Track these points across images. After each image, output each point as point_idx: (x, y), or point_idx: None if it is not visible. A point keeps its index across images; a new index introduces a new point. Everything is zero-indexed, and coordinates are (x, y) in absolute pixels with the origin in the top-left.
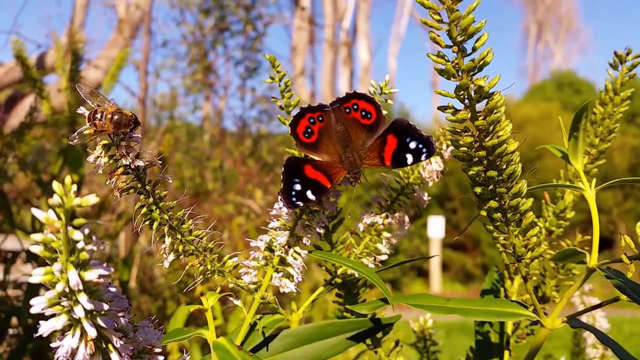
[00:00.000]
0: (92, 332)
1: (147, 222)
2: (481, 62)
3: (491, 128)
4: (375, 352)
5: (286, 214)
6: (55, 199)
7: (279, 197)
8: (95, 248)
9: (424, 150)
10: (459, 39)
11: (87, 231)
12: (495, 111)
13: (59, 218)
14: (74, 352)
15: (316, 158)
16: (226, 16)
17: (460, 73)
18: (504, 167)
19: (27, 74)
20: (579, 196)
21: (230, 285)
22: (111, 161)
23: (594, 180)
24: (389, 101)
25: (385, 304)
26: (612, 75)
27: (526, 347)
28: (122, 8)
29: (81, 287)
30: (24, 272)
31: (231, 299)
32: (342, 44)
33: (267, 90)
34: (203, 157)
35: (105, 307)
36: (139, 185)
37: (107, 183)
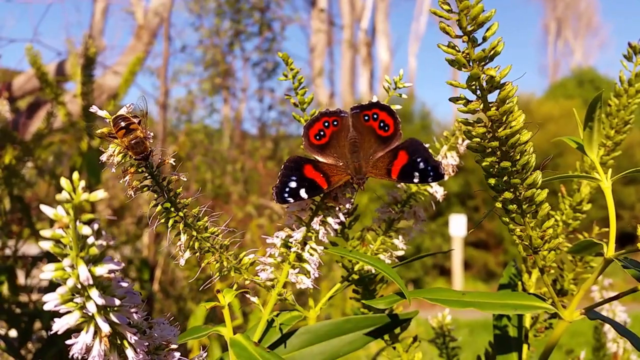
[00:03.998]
0: (105, 328)
1: (162, 220)
2: (492, 52)
3: (504, 118)
4: (394, 348)
5: (302, 210)
6: (63, 195)
7: (273, 191)
8: (104, 243)
9: (432, 173)
10: (469, 28)
11: (96, 226)
12: (507, 101)
13: (68, 213)
14: (88, 349)
15: (320, 159)
16: (242, 19)
17: (471, 63)
18: (518, 157)
19: (43, 80)
20: (597, 189)
21: (247, 282)
22: (124, 159)
23: (610, 171)
24: (404, 95)
25: (401, 298)
26: (627, 66)
27: (545, 341)
28: (141, 14)
29: (91, 282)
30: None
31: (248, 295)
32: (361, 44)
33: (286, 92)
34: (223, 159)
35: (117, 302)
36: (153, 183)
37: (120, 181)
